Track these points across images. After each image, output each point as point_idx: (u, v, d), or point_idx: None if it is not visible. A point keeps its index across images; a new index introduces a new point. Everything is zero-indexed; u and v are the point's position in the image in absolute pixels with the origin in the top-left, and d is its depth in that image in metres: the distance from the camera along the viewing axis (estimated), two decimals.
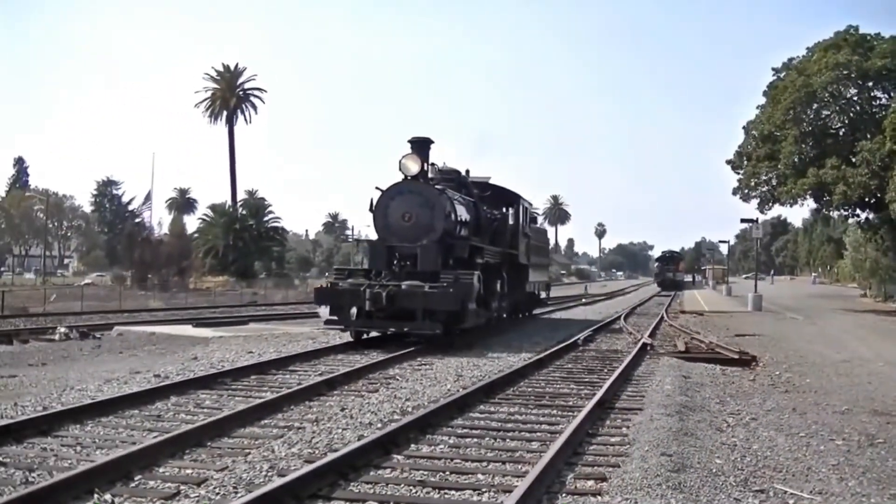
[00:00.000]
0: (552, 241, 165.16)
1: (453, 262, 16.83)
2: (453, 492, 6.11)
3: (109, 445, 7.20)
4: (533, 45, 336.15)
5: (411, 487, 6.17)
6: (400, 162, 17.02)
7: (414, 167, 16.94)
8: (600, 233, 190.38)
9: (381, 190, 17.21)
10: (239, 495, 5.69)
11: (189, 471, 6.41)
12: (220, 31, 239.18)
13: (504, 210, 22.11)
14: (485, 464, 6.94)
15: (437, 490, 6.15)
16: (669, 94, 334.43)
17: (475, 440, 7.82)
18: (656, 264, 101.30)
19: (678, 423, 8.59)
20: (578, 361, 14.61)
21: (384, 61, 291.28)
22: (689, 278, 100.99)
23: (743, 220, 45.84)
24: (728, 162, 42.73)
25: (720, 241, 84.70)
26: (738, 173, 41.67)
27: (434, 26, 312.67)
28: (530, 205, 24.75)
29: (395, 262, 16.78)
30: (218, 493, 5.80)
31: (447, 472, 6.59)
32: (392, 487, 6.14)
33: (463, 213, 18.42)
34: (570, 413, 9.15)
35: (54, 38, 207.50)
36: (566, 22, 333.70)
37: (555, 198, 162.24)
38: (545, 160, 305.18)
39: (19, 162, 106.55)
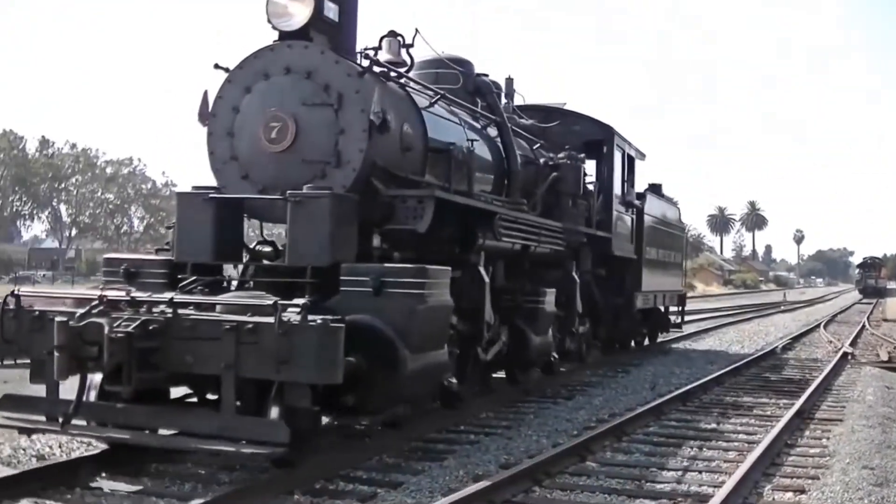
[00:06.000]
0: (748, 248, 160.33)
1: (390, 245, 7.03)
2: None
3: None
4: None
5: None
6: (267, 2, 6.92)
7: (302, 11, 6.77)
8: (798, 239, 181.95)
9: (226, 70, 7.28)
10: None
11: None
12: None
13: (581, 156, 11.33)
14: None
15: None
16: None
17: None
18: (857, 271, 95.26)
19: (881, 436, 8.38)
20: (776, 370, 14.34)
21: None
22: (892, 285, 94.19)
23: None
24: None
25: None
26: None
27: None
28: (640, 154, 14.49)
29: (253, 243, 7.46)
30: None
31: None
32: None
33: (457, 137, 8.31)
34: (768, 423, 9.16)
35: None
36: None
37: (752, 203, 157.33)
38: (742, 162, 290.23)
39: None
